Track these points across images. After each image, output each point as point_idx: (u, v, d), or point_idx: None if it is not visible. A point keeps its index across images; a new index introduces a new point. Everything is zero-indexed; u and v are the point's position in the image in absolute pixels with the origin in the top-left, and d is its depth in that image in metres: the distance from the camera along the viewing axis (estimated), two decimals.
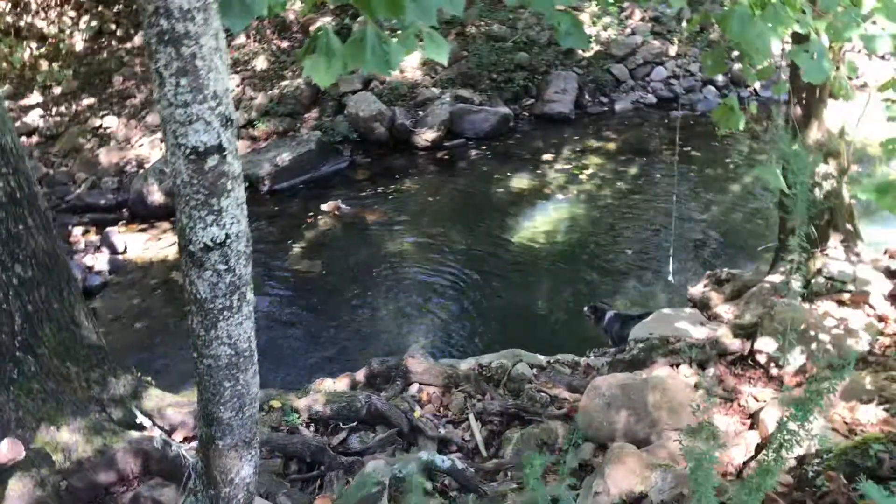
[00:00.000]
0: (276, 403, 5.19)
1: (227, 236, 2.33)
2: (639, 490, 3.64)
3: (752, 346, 5.24)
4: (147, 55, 2.16)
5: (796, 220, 6.13)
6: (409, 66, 12.86)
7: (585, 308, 7.19)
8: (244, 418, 2.72)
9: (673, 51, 13.43)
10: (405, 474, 4.15)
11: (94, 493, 4.32)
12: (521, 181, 10.97)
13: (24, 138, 11.51)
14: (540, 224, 9.72)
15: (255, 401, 2.76)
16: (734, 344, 5.38)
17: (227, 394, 2.64)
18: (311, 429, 5.10)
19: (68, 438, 4.29)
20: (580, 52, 13.58)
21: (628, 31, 13.99)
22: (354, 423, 5.07)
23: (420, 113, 12.12)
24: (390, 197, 10.75)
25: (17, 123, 11.66)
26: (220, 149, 2.21)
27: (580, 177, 10.95)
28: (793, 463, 2.83)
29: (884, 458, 2.03)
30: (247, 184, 8.17)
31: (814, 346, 4.94)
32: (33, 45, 13.11)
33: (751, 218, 9.41)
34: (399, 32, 2.84)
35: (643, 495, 3.60)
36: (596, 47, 13.72)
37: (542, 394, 5.29)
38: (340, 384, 5.57)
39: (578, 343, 6.79)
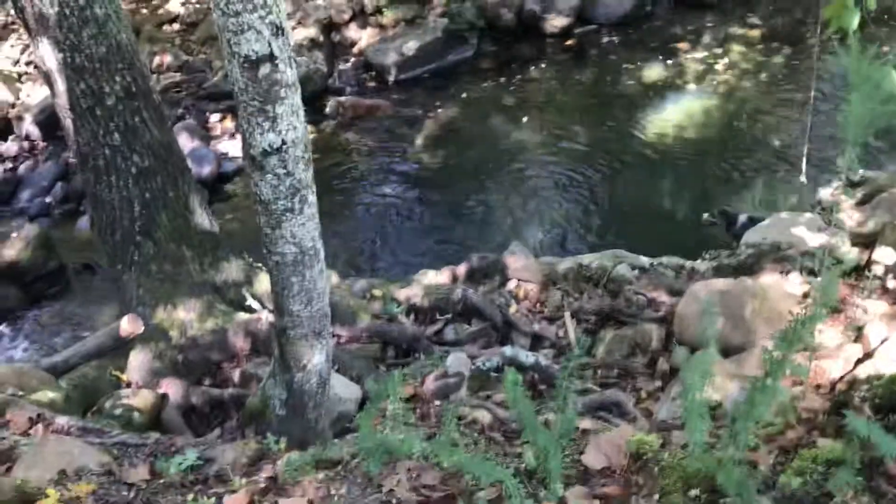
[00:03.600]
0: (377, 293, 5.45)
1: (284, 142, 2.45)
2: (714, 399, 3.64)
3: (871, 255, 4.98)
4: None
5: None
6: None
7: (706, 215, 6.95)
8: (313, 311, 2.92)
9: None
10: (488, 367, 4.32)
11: (207, 367, 4.77)
12: (653, 71, 10.51)
13: (165, 26, 12.05)
14: (669, 118, 9.36)
15: (324, 295, 2.94)
16: (851, 252, 5.13)
17: (295, 288, 2.83)
18: (410, 318, 5.34)
19: (184, 317, 4.71)
20: None
21: None
22: (450, 315, 5.27)
23: None
24: (515, 88, 10.61)
25: (160, 11, 12.20)
26: (271, 57, 2.30)
27: (717, 67, 10.37)
28: (843, 387, 2.76)
29: None
30: (373, 73, 8.31)
31: None
32: None
33: None
34: None
35: (718, 404, 3.60)
36: None
37: (641, 296, 5.27)
38: (442, 277, 5.76)
39: (694, 245, 6.62)
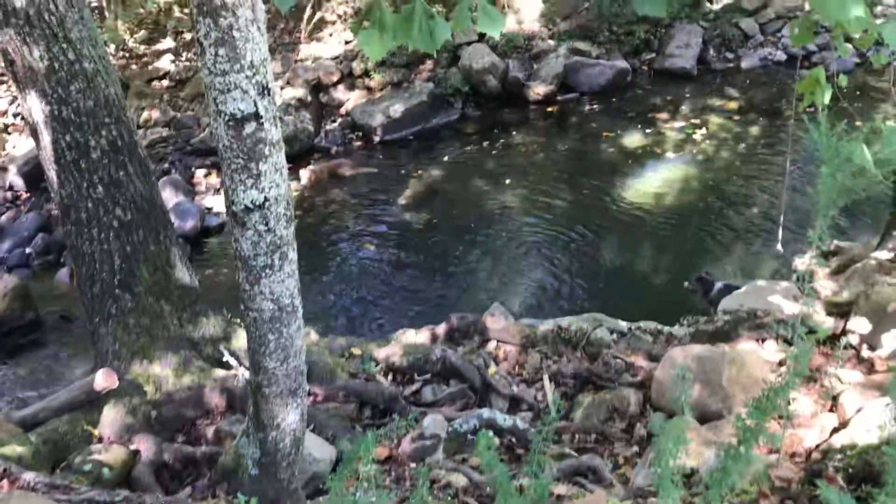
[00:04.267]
0: (356, 351, 5.41)
1: (266, 199, 2.46)
2: (690, 466, 3.61)
3: (845, 325, 5.01)
4: (191, 25, 2.28)
5: None
6: (528, 18, 12.68)
7: (686, 283, 6.98)
8: (289, 369, 2.89)
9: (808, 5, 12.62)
10: (465, 430, 4.27)
11: (181, 423, 4.68)
12: (633, 139, 10.72)
13: (155, 82, 12.18)
14: (648, 185, 9.50)
15: (301, 353, 2.92)
16: (826, 322, 5.16)
17: (271, 345, 2.80)
18: (388, 378, 5.29)
19: (160, 372, 4.64)
20: (708, 4, 12.99)
21: None
22: (429, 376, 5.23)
23: (534, 66, 11.97)
24: (498, 152, 10.75)
25: (150, 67, 12.34)
26: (256, 116, 2.32)
27: (695, 137, 10.59)
28: (818, 456, 2.75)
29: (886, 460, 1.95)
30: (359, 133, 8.41)
31: None
32: None
33: (879, 188, 8.85)
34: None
35: (694, 471, 3.58)
36: (725, 0, 13.09)
37: (619, 360, 5.26)
38: (421, 336, 5.72)
39: (672, 311, 6.66)
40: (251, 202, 2.45)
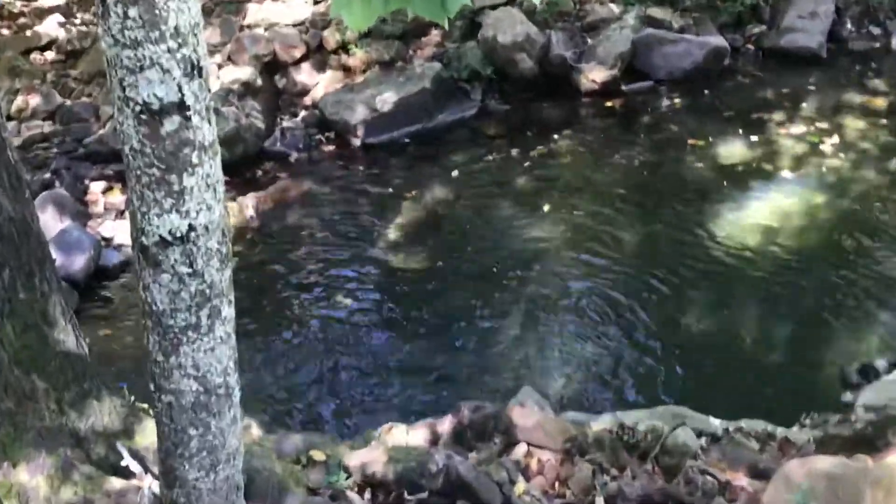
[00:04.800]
0: (318, 455, 5.40)
1: (192, 228, 2.45)
2: None
3: None
4: None
5: None
6: None
7: (848, 394, 6.92)
8: (218, 481, 2.87)
9: None
10: None
11: None
12: (732, 149, 10.76)
13: (36, 54, 12.28)
14: (755, 216, 9.52)
15: (236, 458, 2.90)
16: None
17: (193, 445, 2.79)
18: (366, 496, 5.27)
19: (27, 481, 4.60)
20: None
21: None
22: (426, 494, 5.20)
23: (589, 41, 12.07)
24: (533, 163, 10.79)
25: (29, 33, 12.45)
26: (181, 107, 2.32)
27: (823, 147, 10.63)
28: None
29: None
30: (332, 133, 8.48)
31: None
32: None
33: None
34: None
35: None
36: None
37: (709, 477, 5.25)
38: (416, 435, 5.71)
39: (789, 403, 6.64)
40: (170, 232, 2.44)
